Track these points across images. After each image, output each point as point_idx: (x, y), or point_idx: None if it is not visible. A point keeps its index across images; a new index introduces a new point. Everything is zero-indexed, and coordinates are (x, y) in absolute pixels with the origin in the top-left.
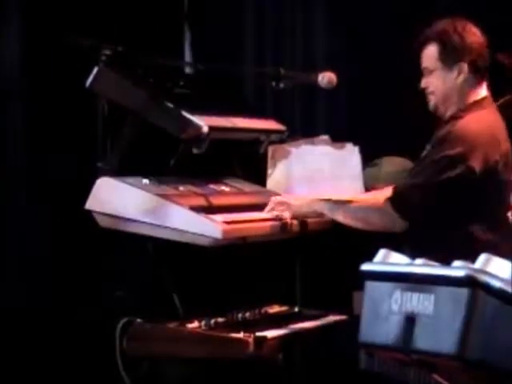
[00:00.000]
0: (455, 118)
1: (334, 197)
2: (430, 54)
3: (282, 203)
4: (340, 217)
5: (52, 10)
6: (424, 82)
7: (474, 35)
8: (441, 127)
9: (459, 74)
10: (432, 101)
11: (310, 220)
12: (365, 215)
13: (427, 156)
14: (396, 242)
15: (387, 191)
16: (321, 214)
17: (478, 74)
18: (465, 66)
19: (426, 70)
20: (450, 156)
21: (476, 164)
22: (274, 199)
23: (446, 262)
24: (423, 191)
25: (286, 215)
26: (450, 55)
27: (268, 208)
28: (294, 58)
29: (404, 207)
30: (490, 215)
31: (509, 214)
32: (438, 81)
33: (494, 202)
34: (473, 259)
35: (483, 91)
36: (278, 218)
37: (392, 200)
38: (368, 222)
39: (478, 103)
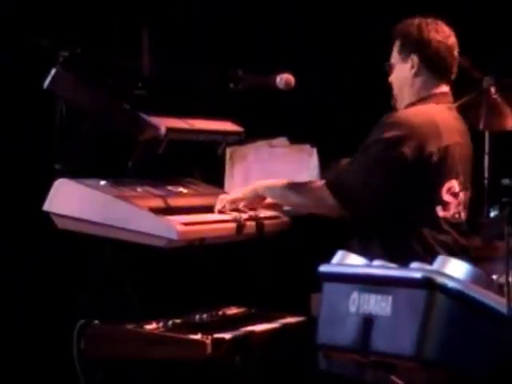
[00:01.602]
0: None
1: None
2: (394, 48)
3: (230, 202)
4: (279, 199)
5: (10, 10)
6: (390, 78)
7: (437, 32)
8: None
9: (412, 66)
10: (393, 93)
11: (267, 221)
12: (301, 199)
13: (366, 140)
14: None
15: None
16: (276, 211)
17: (433, 70)
18: (416, 59)
19: (390, 65)
20: (385, 139)
21: (409, 151)
22: (220, 197)
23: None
24: (357, 175)
25: (243, 215)
26: (406, 47)
27: (217, 208)
28: (253, 60)
29: (339, 191)
30: (418, 206)
31: (438, 208)
32: (396, 74)
33: (423, 193)
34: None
35: (441, 88)
36: (234, 219)
37: (328, 184)
38: (303, 206)
39: (431, 97)
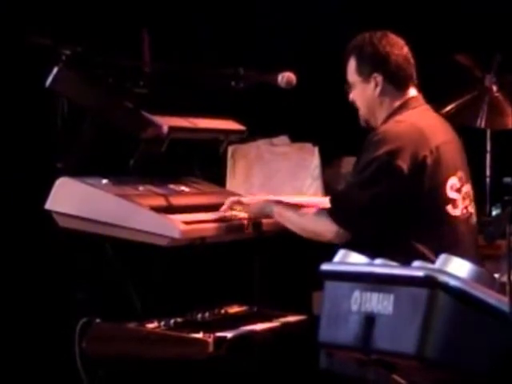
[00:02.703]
0: (383, 123)
1: (287, 199)
2: (350, 67)
3: (237, 203)
4: (286, 223)
5: (12, 10)
6: (350, 97)
7: (391, 45)
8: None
9: (376, 85)
10: (360, 115)
11: (268, 220)
12: (308, 225)
13: (357, 162)
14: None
15: None
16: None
17: (397, 83)
18: (379, 77)
19: (349, 84)
20: (377, 157)
21: (403, 162)
22: (230, 199)
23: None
24: (357, 200)
25: (242, 215)
26: (365, 67)
27: (224, 207)
28: (253, 58)
29: (341, 217)
30: (428, 211)
31: (448, 207)
32: (359, 94)
33: (429, 197)
34: (415, 256)
35: (409, 93)
36: (232, 218)
37: (330, 211)
38: (311, 232)
39: (404, 105)
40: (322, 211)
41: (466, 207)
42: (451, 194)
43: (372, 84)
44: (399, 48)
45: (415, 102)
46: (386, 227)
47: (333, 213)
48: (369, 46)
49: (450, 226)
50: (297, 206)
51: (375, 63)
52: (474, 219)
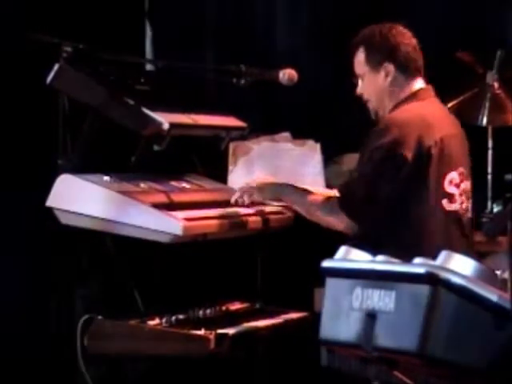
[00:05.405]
0: (389, 113)
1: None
2: (359, 59)
3: (250, 189)
4: (298, 209)
5: (13, 7)
6: (358, 90)
7: (400, 36)
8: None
9: (386, 75)
10: (370, 108)
11: (271, 217)
12: (319, 214)
13: (362, 152)
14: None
15: None
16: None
17: (407, 72)
18: (390, 67)
19: (358, 76)
20: (382, 146)
21: (408, 151)
22: (241, 187)
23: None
24: (362, 187)
25: (247, 211)
26: (375, 57)
27: (237, 194)
28: (255, 55)
29: (347, 205)
30: (427, 201)
31: (444, 201)
32: (368, 85)
33: (429, 188)
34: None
35: (417, 85)
36: (237, 214)
37: (338, 199)
38: (319, 219)
39: (412, 96)
40: (332, 201)
41: (462, 203)
42: (449, 189)
43: (382, 73)
44: (408, 38)
45: (424, 93)
46: (389, 218)
47: (340, 202)
48: (378, 36)
49: (443, 221)
50: (308, 192)
51: (386, 52)
52: (468, 216)
